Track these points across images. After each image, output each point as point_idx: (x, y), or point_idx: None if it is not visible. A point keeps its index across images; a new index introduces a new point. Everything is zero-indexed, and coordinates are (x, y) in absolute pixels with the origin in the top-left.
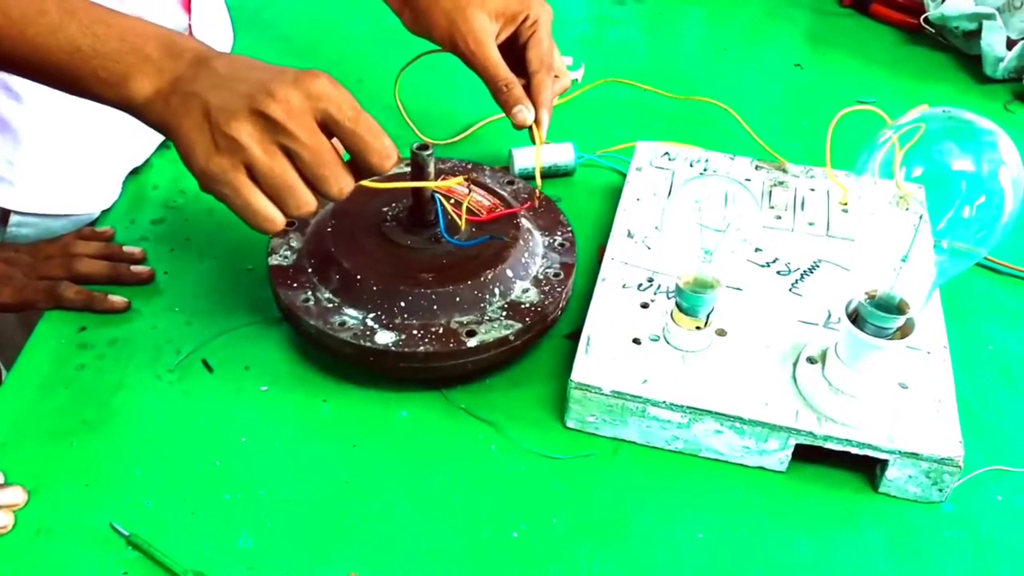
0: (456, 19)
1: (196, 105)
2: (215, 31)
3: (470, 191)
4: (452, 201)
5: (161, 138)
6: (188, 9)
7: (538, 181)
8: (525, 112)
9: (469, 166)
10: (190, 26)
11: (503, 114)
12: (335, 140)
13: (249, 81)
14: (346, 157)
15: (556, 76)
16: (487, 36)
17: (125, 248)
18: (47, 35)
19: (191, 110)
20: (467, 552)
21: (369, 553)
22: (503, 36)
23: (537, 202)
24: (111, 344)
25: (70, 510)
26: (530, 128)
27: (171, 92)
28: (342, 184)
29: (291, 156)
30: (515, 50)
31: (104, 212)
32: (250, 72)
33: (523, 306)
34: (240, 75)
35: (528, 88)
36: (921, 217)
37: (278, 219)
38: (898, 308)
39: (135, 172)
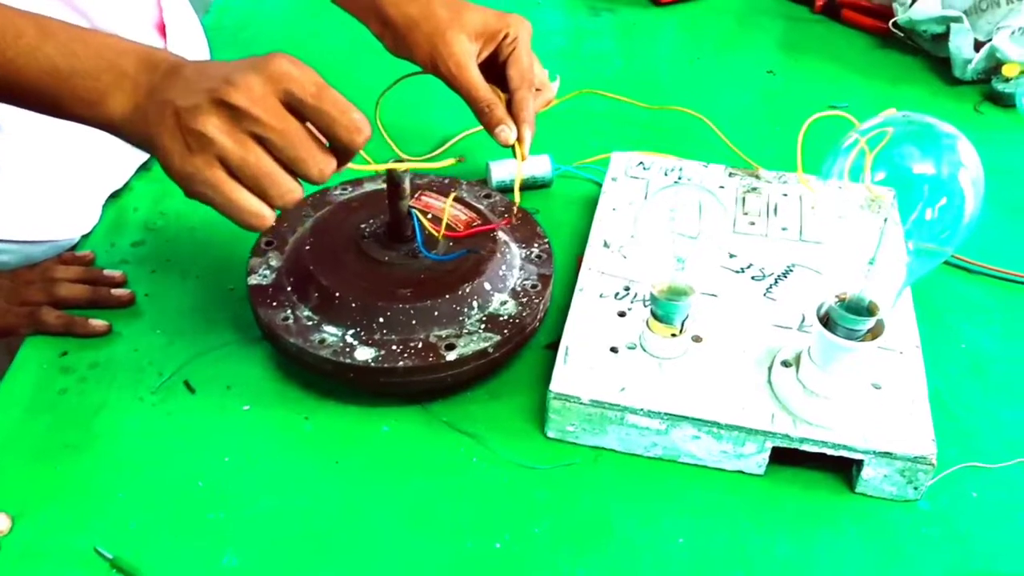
0: (436, 42)
1: (168, 112)
2: (191, 53)
3: (448, 195)
4: (429, 216)
5: (140, 161)
6: (163, 33)
7: (516, 196)
8: (508, 132)
9: (446, 181)
10: (165, 49)
11: (480, 128)
12: (309, 124)
13: (210, 76)
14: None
15: (538, 90)
16: (468, 58)
17: (106, 271)
18: (25, 56)
19: (164, 117)
20: (451, 564)
21: (354, 568)
22: (484, 55)
23: (514, 217)
24: (93, 367)
25: (54, 534)
26: (513, 144)
27: (147, 104)
28: (321, 165)
29: (263, 143)
30: (496, 67)
31: (84, 236)
32: (216, 69)
33: (501, 318)
34: (205, 74)
35: (510, 105)
36: (886, 220)
37: (265, 212)
38: (868, 310)
39: (115, 195)
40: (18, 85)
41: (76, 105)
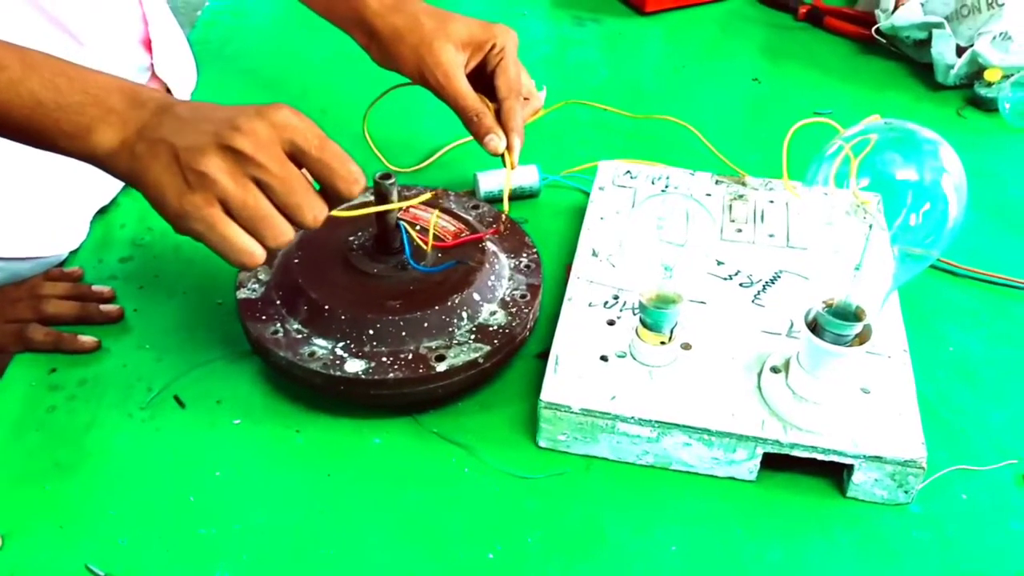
0: (423, 53)
1: (163, 149)
2: (177, 68)
3: (436, 206)
4: (418, 228)
5: None
6: (149, 48)
7: (505, 206)
8: (496, 140)
9: (434, 192)
10: (152, 65)
11: (468, 138)
12: (304, 171)
13: (213, 120)
14: (316, 187)
15: (526, 99)
16: (455, 68)
17: (94, 287)
18: (8, 90)
19: (158, 155)
20: (444, 575)
21: None
22: (471, 65)
23: (503, 227)
24: (81, 384)
25: (45, 552)
26: (503, 153)
27: (136, 141)
28: (316, 211)
29: (263, 187)
30: (483, 78)
31: (72, 252)
32: (213, 112)
33: (491, 328)
34: (203, 116)
35: (499, 114)
36: (872, 226)
37: (257, 252)
38: (855, 315)
39: (102, 211)
40: (1, 118)
41: (60, 138)
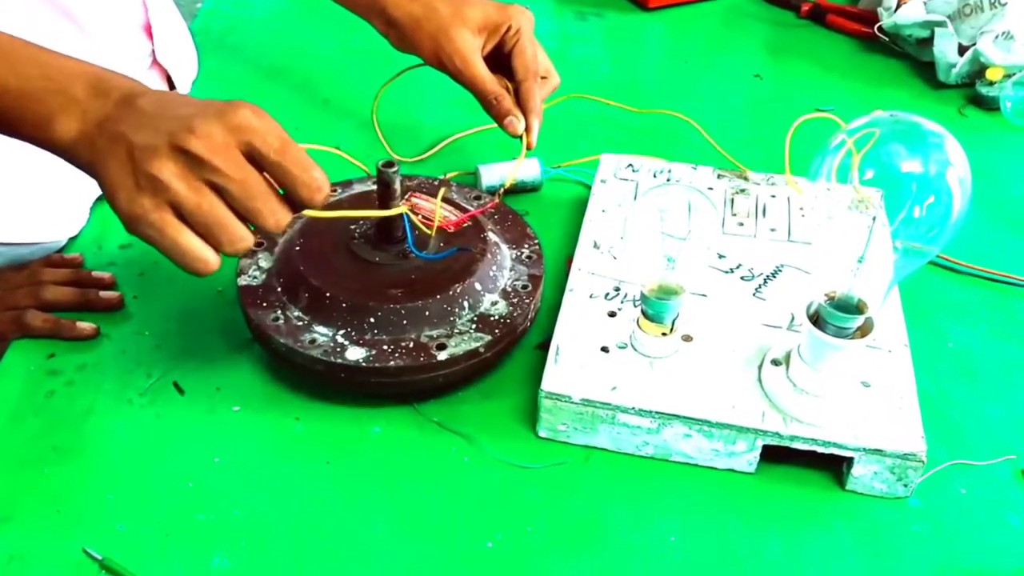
0: (441, 40)
1: (121, 145)
2: (179, 56)
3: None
4: (419, 216)
5: None
6: (150, 35)
7: (508, 183)
8: (516, 123)
9: (436, 182)
10: (153, 51)
11: (472, 129)
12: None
13: (173, 118)
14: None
15: (544, 78)
16: (472, 53)
17: (94, 273)
18: None
19: (116, 150)
20: (443, 563)
21: (345, 569)
22: (488, 48)
23: (497, 199)
24: (80, 370)
25: (42, 536)
26: (521, 134)
27: (97, 134)
28: (278, 216)
29: (219, 192)
30: (500, 59)
31: (71, 239)
32: (176, 109)
33: (492, 318)
34: (166, 113)
35: (517, 95)
36: (875, 219)
37: (211, 259)
38: (857, 308)
39: (102, 198)
40: None
41: (24, 127)
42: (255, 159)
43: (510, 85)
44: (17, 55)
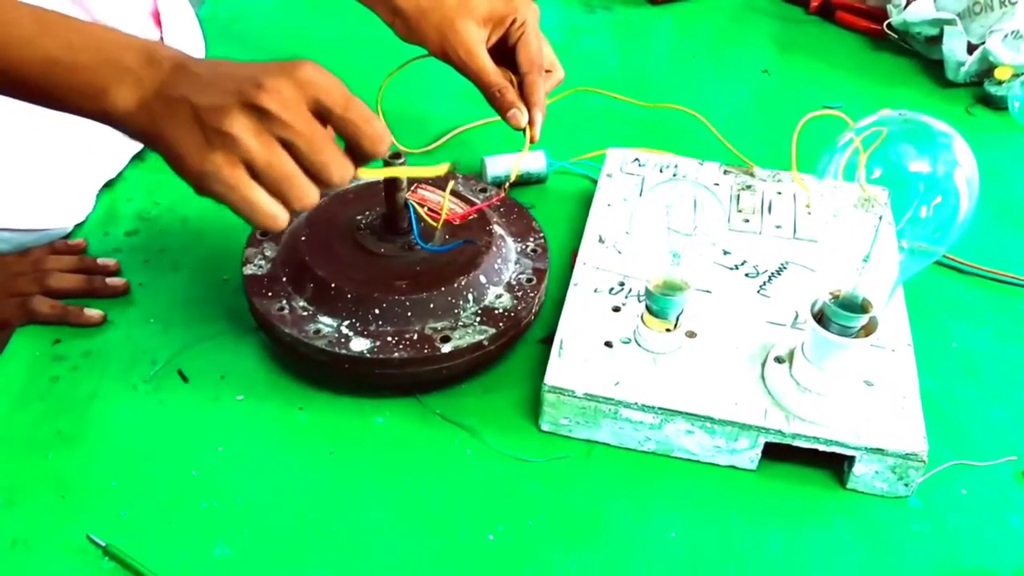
0: (446, 31)
1: (183, 109)
2: (186, 43)
3: (455, 179)
4: (426, 208)
5: (134, 150)
6: (159, 23)
7: (513, 177)
8: (519, 115)
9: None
10: (161, 38)
11: (478, 121)
12: (329, 129)
13: (235, 78)
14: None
15: (548, 71)
16: (477, 45)
17: (99, 260)
18: (21, 48)
19: (177, 113)
20: (444, 555)
21: (347, 559)
22: (493, 40)
23: (504, 192)
24: (85, 356)
25: (46, 522)
26: (524, 127)
27: (154, 100)
28: (343, 170)
29: (287, 147)
30: (505, 51)
31: (78, 225)
32: (233, 70)
33: (497, 311)
34: (223, 73)
35: (521, 88)
36: (881, 218)
37: (280, 215)
38: (861, 307)
39: (108, 185)
40: (15, 77)
41: (75, 98)
42: (321, 114)
43: (514, 78)
44: (62, 27)
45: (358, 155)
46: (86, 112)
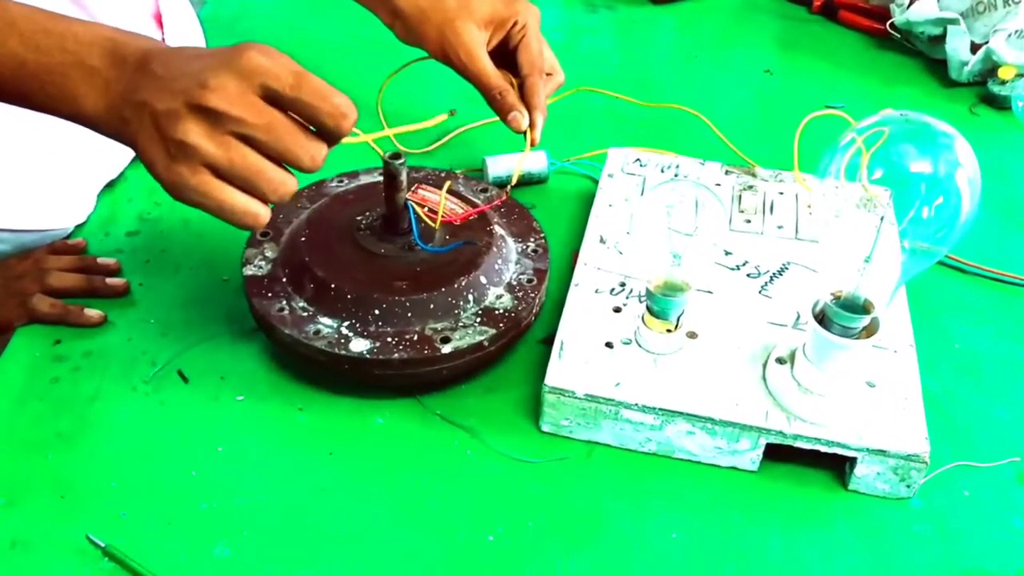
0: (446, 32)
1: (145, 114)
2: (188, 44)
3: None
4: (426, 209)
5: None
6: (161, 24)
7: (514, 180)
8: (520, 118)
9: (443, 174)
10: (163, 39)
11: (479, 122)
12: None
13: (184, 76)
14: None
15: (549, 74)
16: (478, 47)
17: (99, 260)
18: None
19: (142, 120)
20: (444, 556)
21: (347, 560)
22: (493, 42)
23: (505, 196)
24: (86, 356)
25: (45, 522)
26: (525, 130)
27: (121, 103)
28: (312, 152)
29: (247, 141)
30: (506, 53)
31: (79, 226)
32: (185, 65)
33: (497, 312)
34: (176, 71)
35: (522, 91)
36: (883, 218)
37: (259, 211)
38: (863, 308)
39: (109, 185)
40: None
41: (46, 101)
42: (274, 100)
43: (514, 80)
44: (27, 26)
45: (324, 135)
46: (61, 114)
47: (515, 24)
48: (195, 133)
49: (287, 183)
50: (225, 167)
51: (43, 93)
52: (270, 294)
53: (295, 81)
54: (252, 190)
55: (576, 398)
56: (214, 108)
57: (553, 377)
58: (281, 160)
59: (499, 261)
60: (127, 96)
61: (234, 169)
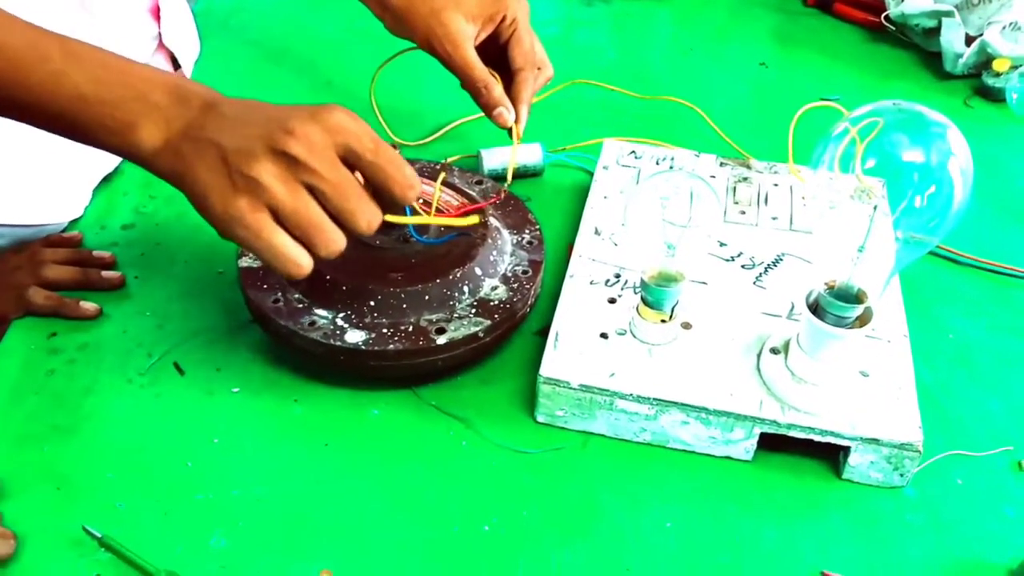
0: (432, 23)
1: (210, 151)
2: (183, 38)
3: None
4: (421, 201)
5: None
6: (157, 18)
7: (509, 178)
8: (506, 114)
9: (437, 166)
10: (159, 34)
11: (477, 115)
12: (357, 175)
13: (263, 121)
14: None
15: (538, 69)
16: (464, 39)
17: (95, 253)
18: (50, 82)
19: (204, 155)
20: (439, 546)
21: (341, 550)
22: (482, 37)
23: (503, 194)
24: (81, 349)
25: (42, 514)
26: (511, 127)
27: (181, 140)
28: (370, 217)
29: (315, 193)
30: (496, 49)
31: (74, 221)
32: (263, 112)
33: (492, 303)
34: (252, 117)
35: (511, 85)
36: (876, 208)
37: (304, 262)
38: (856, 297)
39: (105, 179)
40: (43, 111)
41: (102, 133)
42: (349, 160)
43: (498, 77)
44: (91, 61)
45: (386, 201)
46: (112, 147)
47: (504, 19)
48: (269, 173)
49: (339, 242)
50: (288, 212)
51: (99, 125)
52: (265, 286)
53: (375, 147)
54: (305, 240)
55: (571, 388)
56: (294, 155)
57: (548, 368)
58: (341, 219)
59: (494, 253)
60: (189, 132)
61: (296, 216)
